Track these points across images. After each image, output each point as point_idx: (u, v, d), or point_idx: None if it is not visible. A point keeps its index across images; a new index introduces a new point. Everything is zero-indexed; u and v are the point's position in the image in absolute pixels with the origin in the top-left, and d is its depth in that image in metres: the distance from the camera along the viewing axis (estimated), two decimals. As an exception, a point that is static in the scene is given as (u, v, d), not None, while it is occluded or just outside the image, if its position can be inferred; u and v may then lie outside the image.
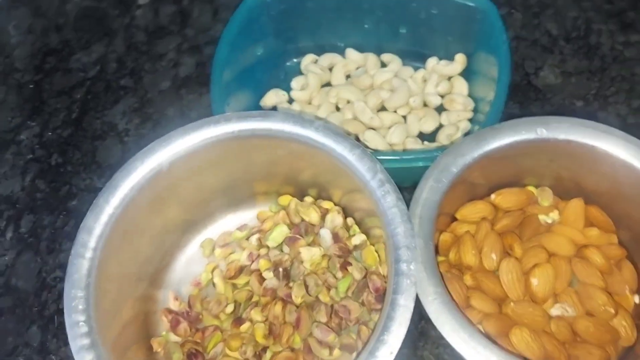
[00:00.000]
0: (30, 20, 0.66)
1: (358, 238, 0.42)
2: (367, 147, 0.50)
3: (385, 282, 0.40)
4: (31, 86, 0.61)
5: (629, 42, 0.55)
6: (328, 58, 0.57)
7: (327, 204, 0.44)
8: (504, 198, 0.42)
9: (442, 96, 0.53)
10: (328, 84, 0.56)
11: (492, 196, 0.42)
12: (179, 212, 0.44)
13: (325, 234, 0.42)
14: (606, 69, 0.54)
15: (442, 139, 0.51)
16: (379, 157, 0.40)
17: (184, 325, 0.42)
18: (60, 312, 0.48)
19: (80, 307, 0.35)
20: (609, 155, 0.38)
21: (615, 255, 0.40)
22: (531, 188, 0.43)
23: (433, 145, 0.50)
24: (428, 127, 0.52)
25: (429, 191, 0.37)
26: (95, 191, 0.53)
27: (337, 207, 0.44)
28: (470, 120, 0.52)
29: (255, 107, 0.55)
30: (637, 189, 0.38)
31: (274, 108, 0.55)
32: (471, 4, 0.48)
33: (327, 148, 0.37)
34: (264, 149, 0.41)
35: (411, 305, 0.32)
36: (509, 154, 0.39)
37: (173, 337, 0.42)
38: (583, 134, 0.38)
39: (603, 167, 0.39)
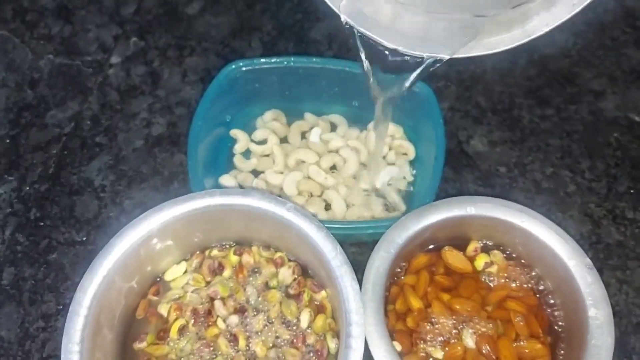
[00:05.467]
0: (3, 75, 0.69)
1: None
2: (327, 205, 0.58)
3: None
4: (7, 140, 0.64)
5: (544, 115, 0.66)
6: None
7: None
8: (451, 255, 0.49)
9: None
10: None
11: (446, 248, 0.49)
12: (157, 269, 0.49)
13: None
14: (525, 140, 0.64)
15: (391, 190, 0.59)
16: (337, 225, 0.47)
17: None
18: (44, 360, 0.52)
19: (76, 358, 0.40)
20: (522, 229, 0.47)
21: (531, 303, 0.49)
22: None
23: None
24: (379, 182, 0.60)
25: (379, 260, 0.45)
26: (74, 245, 0.58)
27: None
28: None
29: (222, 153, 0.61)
30: (543, 252, 0.47)
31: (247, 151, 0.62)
32: (415, 89, 0.57)
33: (296, 227, 0.44)
34: (241, 220, 0.47)
35: None
36: (444, 225, 0.48)
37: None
38: (503, 212, 0.47)
39: (518, 237, 0.48)
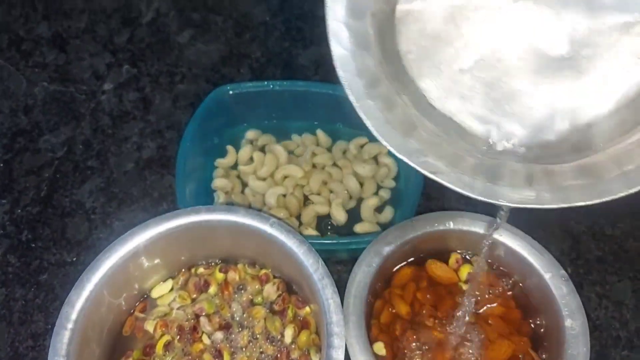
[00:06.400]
0: (-2, 101, 0.71)
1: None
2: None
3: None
4: (1, 165, 0.66)
5: (524, 136, 0.67)
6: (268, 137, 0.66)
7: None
8: (436, 267, 0.51)
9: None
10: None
11: (429, 261, 0.51)
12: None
13: None
14: (506, 160, 0.65)
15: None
16: (319, 241, 0.49)
17: None
18: (32, 379, 0.53)
19: None
20: (499, 242, 0.48)
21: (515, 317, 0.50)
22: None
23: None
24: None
25: (361, 274, 0.46)
26: (64, 265, 0.59)
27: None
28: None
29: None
30: (521, 265, 0.49)
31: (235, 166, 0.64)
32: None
33: (280, 242, 0.45)
34: (226, 236, 0.49)
35: None
36: (425, 239, 0.49)
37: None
38: (481, 226, 0.49)
39: (496, 250, 0.49)
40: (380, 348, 0.45)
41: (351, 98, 0.34)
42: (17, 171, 0.65)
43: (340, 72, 0.34)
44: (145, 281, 0.50)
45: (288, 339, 0.47)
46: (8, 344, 0.54)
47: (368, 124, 0.33)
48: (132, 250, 0.46)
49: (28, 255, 0.60)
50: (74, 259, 0.59)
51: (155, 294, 0.50)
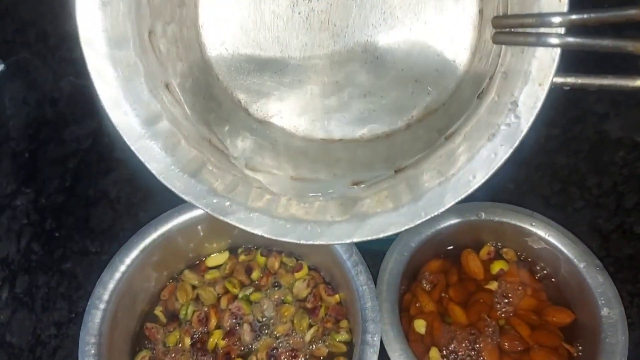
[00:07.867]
0: (24, 93, 0.71)
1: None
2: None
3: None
4: (26, 155, 0.66)
5: (550, 135, 0.67)
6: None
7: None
8: (472, 258, 0.50)
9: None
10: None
11: (468, 250, 0.51)
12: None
13: None
14: (532, 159, 0.65)
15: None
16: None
17: None
18: (54, 367, 0.52)
19: (92, 351, 0.41)
20: (532, 232, 0.48)
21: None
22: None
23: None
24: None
25: (393, 262, 0.46)
26: (88, 254, 0.59)
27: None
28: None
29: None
30: (553, 255, 0.48)
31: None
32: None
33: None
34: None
35: None
36: (456, 230, 0.49)
37: None
38: (513, 217, 0.48)
39: (528, 241, 0.49)
40: (420, 326, 0.44)
41: (126, 140, 0.30)
42: (41, 161, 0.65)
43: (110, 114, 0.29)
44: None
45: (308, 337, 0.47)
46: (30, 332, 0.54)
47: (150, 168, 0.29)
48: (165, 233, 0.46)
49: (51, 243, 0.59)
50: (98, 249, 0.59)
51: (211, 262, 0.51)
